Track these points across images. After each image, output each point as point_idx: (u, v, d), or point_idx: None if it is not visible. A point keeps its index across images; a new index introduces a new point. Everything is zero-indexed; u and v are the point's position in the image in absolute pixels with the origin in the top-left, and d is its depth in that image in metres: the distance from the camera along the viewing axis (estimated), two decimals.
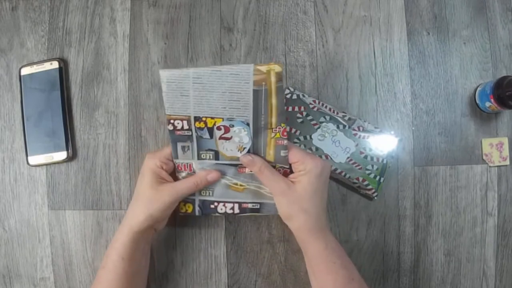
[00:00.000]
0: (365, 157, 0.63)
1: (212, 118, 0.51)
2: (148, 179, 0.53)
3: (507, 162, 0.66)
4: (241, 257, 0.64)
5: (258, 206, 0.56)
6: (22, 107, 0.64)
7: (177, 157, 0.54)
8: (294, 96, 0.64)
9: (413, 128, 0.66)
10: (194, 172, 0.55)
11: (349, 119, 0.63)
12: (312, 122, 0.63)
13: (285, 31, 0.66)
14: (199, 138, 0.53)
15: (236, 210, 0.56)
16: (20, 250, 0.64)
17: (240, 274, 0.64)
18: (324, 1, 0.67)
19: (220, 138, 0.52)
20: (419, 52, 0.67)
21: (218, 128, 0.51)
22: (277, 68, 0.47)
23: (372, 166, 0.63)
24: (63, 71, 0.65)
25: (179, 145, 0.54)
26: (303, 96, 0.64)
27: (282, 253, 0.64)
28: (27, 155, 0.64)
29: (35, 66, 0.64)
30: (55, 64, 0.64)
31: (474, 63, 0.67)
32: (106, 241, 0.64)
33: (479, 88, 0.66)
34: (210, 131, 0.52)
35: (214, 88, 0.49)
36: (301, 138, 0.63)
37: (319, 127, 0.63)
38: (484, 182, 0.66)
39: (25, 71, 0.64)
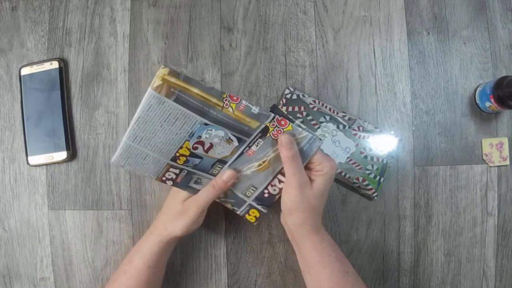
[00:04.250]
0: (365, 157, 0.63)
1: (181, 147, 0.50)
2: (182, 194, 0.55)
3: (507, 162, 0.66)
4: (241, 257, 0.64)
5: None
6: (22, 107, 0.64)
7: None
8: (294, 96, 0.64)
9: (413, 128, 0.66)
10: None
11: (349, 119, 0.63)
12: (312, 122, 0.63)
13: (285, 31, 0.66)
14: (195, 167, 0.52)
15: (283, 181, 0.54)
16: (20, 250, 0.64)
17: (240, 274, 0.64)
18: (324, 1, 0.67)
19: (206, 151, 0.51)
20: (419, 52, 0.67)
21: (194, 148, 0.50)
22: (163, 70, 0.46)
23: (372, 166, 0.63)
24: (63, 71, 0.65)
25: (192, 184, 0.54)
26: (303, 96, 0.64)
27: (282, 253, 0.64)
28: (27, 155, 0.64)
29: (35, 66, 0.64)
30: (55, 64, 0.64)
31: (474, 63, 0.67)
32: (106, 241, 0.64)
33: (479, 88, 0.66)
34: (194, 155, 0.51)
35: (154, 130, 0.48)
36: None
37: (319, 127, 0.63)
38: (484, 182, 0.66)
39: (25, 71, 0.64)
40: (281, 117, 0.50)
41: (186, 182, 0.53)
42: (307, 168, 0.53)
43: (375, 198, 0.64)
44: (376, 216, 0.65)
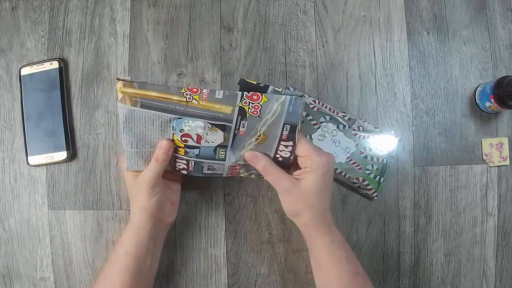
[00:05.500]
0: (365, 157, 0.63)
1: (173, 140, 0.51)
2: (135, 175, 0.54)
3: (507, 162, 0.66)
4: (241, 257, 0.64)
5: (289, 125, 0.51)
6: (22, 107, 0.64)
7: (221, 175, 0.55)
8: None
9: (413, 128, 0.66)
10: (240, 166, 0.54)
11: (349, 119, 0.63)
12: (312, 122, 0.63)
13: (285, 31, 0.66)
14: (198, 156, 0.53)
15: (290, 144, 0.52)
16: (20, 250, 0.64)
17: (240, 274, 0.64)
18: (324, 1, 0.67)
19: (198, 142, 0.51)
20: (419, 52, 0.67)
21: (184, 141, 0.51)
22: (118, 84, 0.48)
23: (372, 166, 0.63)
24: (63, 71, 0.65)
25: (206, 171, 0.54)
26: (303, 96, 0.64)
27: (282, 253, 0.64)
28: (27, 155, 0.64)
29: (35, 66, 0.64)
30: (55, 64, 0.64)
31: (474, 63, 0.67)
32: (106, 241, 0.64)
33: (479, 88, 0.66)
34: (190, 146, 0.52)
35: (141, 133, 0.50)
36: None
37: (319, 127, 0.63)
38: (484, 182, 0.66)
39: (25, 71, 0.64)
40: (251, 92, 0.49)
41: (199, 170, 0.55)
42: (297, 164, 0.52)
43: (375, 198, 0.64)
44: (376, 216, 0.65)
